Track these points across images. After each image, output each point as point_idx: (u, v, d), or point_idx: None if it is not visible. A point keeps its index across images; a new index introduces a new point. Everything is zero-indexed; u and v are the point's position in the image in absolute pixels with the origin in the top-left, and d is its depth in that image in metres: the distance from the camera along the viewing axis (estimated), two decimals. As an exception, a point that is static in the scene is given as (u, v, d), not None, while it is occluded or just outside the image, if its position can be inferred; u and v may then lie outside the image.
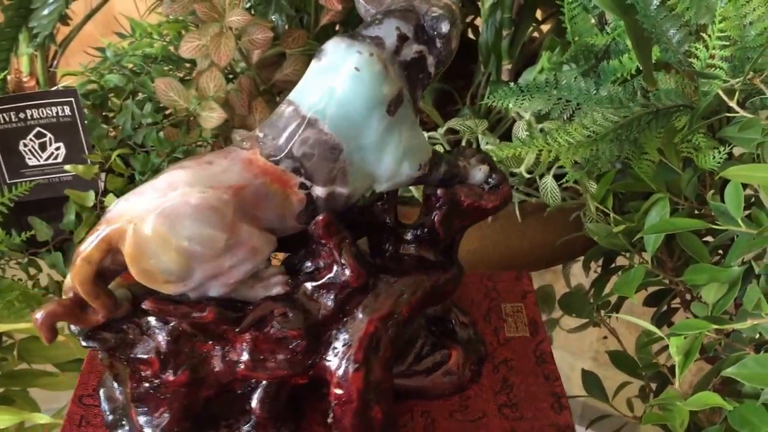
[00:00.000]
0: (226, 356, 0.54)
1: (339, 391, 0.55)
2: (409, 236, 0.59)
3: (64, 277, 0.83)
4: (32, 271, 0.81)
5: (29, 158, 0.84)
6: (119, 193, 0.80)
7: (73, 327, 0.53)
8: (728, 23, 0.72)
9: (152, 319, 0.53)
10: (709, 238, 0.72)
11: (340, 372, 0.55)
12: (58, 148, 0.84)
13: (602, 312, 0.80)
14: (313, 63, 0.53)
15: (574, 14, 0.85)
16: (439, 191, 0.58)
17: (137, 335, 0.53)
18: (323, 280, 0.55)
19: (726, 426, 0.59)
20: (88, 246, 0.50)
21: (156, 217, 0.49)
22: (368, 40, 0.53)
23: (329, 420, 0.57)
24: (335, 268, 0.54)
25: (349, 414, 0.56)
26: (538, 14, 1.01)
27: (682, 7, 0.76)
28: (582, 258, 0.84)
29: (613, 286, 0.73)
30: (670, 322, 0.79)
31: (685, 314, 0.75)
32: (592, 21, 0.85)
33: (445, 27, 0.53)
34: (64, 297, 0.52)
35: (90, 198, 0.80)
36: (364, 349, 0.55)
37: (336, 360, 0.55)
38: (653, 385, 0.76)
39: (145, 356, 0.53)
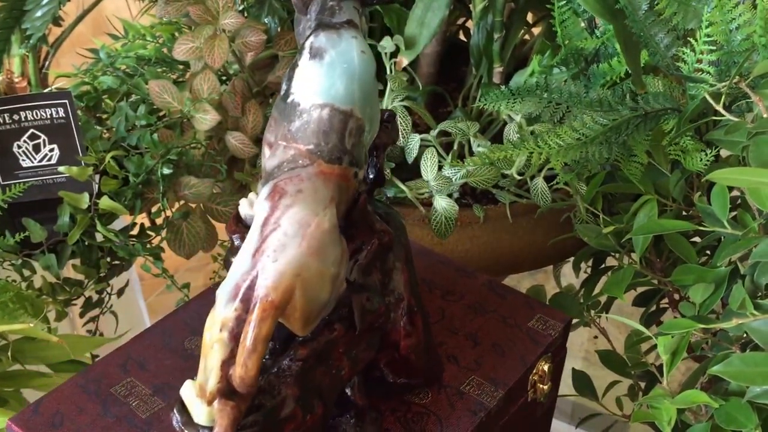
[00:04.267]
0: (332, 370, 0.54)
1: (410, 341, 0.58)
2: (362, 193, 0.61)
3: (58, 278, 0.83)
4: (26, 272, 0.81)
5: (23, 160, 0.84)
6: (113, 195, 0.80)
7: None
8: (715, 28, 0.73)
9: (274, 376, 0.50)
10: (696, 239, 0.73)
11: (404, 322, 0.58)
12: (52, 150, 0.84)
13: (592, 312, 0.81)
14: (314, 62, 0.53)
15: (564, 18, 0.85)
16: (375, 141, 0.60)
17: (269, 400, 0.49)
18: (370, 255, 0.56)
19: (712, 423, 0.60)
20: (261, 323, 0.46)
21: (311, 258, 0.48)
22: (346, 25, 0.54)
23: (389, 378, 0.59)
24: (374, 240, 0.56)
25: (422, 355, 0.59)
26: (529, 18, 1.01)
27: (669, 12, 0.77)
28: (572, 259, 0.85)
29: (602, 287, 0.74)
30: (658, 321, 0.80)
31: (673, 314, 0.76)
32: (582, 25, 0.86)
33: None
34: (215, 402, 0.46)
35: (84, 200, 0.80)
36: (411, 294, 0.59)
37: (398, 316, 0.58)
38: (642, 384, 0.76)
39: (288, 412, 0.50)
